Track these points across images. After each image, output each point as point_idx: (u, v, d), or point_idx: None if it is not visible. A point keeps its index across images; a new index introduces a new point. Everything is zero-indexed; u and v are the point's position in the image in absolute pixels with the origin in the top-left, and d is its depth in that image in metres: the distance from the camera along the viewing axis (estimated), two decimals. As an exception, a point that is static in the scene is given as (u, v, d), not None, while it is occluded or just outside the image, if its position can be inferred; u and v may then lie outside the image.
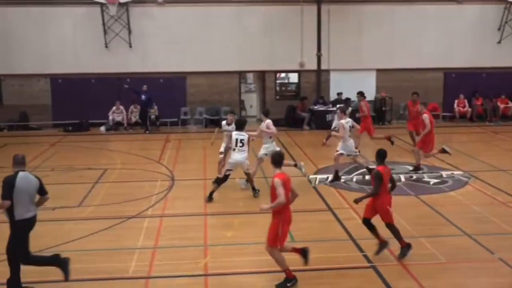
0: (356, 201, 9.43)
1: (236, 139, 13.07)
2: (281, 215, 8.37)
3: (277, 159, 8.55)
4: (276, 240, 8.34)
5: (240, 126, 13.37)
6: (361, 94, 18.92)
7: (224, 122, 14.76)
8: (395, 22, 25.25)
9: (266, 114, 14.34)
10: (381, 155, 9.44)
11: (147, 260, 9.55)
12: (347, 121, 14.68)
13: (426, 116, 15.33)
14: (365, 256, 9.58)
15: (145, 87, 23.71)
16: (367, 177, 15.11)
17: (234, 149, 13.07)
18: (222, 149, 14.56)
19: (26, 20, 23.98)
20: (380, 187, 9.14)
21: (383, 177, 9.16)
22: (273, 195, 8.29)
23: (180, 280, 8.74)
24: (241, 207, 12.63)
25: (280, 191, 8.16)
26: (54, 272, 8.97)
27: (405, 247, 9.40)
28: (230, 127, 14.24)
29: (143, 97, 23.67)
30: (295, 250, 8.73)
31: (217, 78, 25.14)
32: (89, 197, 13.41)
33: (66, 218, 11.94)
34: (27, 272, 8.85)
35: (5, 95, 24.66)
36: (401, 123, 23.87)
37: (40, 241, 10.12)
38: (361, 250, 9.85)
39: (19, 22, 23.98)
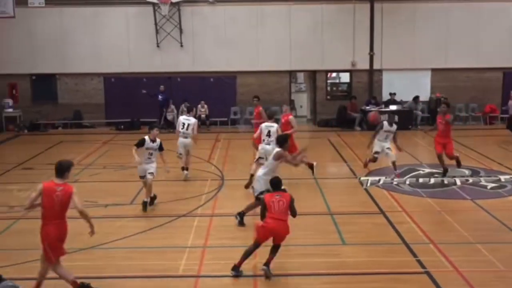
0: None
1: (183, 123, 14.99)
2: (42, 229, 7.75)
3: (57, 167, 7.92)
4: (49, 257, 7.73)
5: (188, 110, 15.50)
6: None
7: (147, 138, 12.52)
8: (450, 20, 24.56)
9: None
10: (272, 183, 9.17)
11: (197, 259, 9.55)
12: (272, 125, 13.95)
13: (293, 118, 14.92)
14: (419, 261, 9.28)
15: (162, 88, 23.88)
16: (421, 179, 14.77)
17: (180, 132, 14.96)
18: (141, 172, 12.51)
19: (81, 20, 24.48)
20: (263, 213, 8.86)
21: (265, 204, 8.81)
22: None
23: (230, 280, 8.70)
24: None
25: (32, 194, 7.75)
26: (109, 269, 9.11)
27: (237, 267, 8.86)
28: (154, 144, 12.59)
29: (160, 97, 23.84)
30: (73, 282, 8.00)
31: (267, 78, 25.06)
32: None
33: (118, 215, 12.07)
34: (83, 267, 8.99)
35: (60, 93, 25.27)
36: (456, 125, 23.14)
37: (92, 237, 10.27)
38: (414, 255, 9.56)
39: (74, 22, 24.51)
